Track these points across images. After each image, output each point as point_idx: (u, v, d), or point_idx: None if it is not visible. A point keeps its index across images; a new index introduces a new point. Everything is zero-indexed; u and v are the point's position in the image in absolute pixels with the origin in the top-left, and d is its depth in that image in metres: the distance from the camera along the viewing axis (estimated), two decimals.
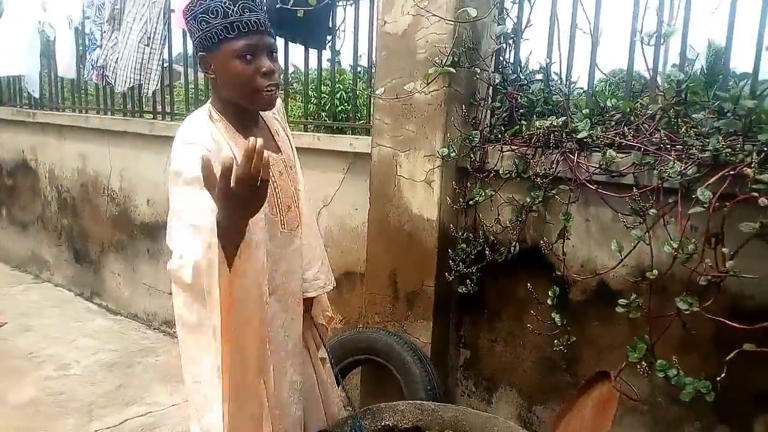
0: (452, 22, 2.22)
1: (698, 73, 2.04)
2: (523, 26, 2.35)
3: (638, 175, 1.97)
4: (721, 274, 1.66)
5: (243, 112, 1.45)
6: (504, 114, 2.36)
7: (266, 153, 1.44)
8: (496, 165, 2.30)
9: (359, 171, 2.77)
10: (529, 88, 2.39)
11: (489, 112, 2.40)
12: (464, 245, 2.39)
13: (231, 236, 1.16)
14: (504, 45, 2.36)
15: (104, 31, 3.92)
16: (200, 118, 1.44)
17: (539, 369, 2.38)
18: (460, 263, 2.39)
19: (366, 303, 2.65)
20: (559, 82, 2.33)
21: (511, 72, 2.37)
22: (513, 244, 2.29)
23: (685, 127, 1.92)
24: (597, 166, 2.05)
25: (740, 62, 1.97)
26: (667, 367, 1.85)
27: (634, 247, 1.94)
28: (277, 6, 2.67)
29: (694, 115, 1.94)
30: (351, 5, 2.87)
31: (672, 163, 1.85)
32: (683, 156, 1.85)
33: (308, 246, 1.73)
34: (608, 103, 2.19)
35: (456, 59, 2.24)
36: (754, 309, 1.83)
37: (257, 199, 1.11)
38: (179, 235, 1.29)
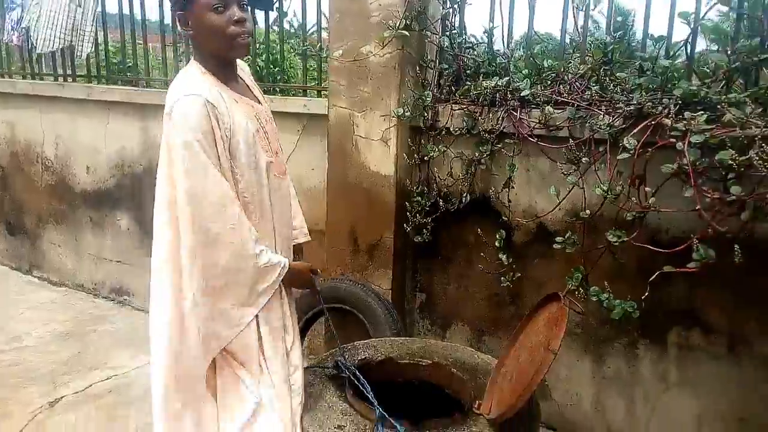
0: None
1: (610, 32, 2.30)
2: None
3: (572, 129, 2.23)
4: (644, 209, 1.96)
5: (224, 66, 1.56)
6: (452, 75, 2.55)
7: (251, 102, 1.60)
8: (447, 123, 2.50)
9: (314, 132, 2.89)
10: (474, 50, 2.58)
11: (438, 73, 2.58)
12: (419, 198, 2.60)
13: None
14: (450, 9, 2.53)
15: None
16: (194, 72, 1.53)
17: (487, 304, 2.66)
18: (416, 215, 2.60)
19: (328, 257, 2.81)
20: (501, 44, 2.54)
21: (457, 35, 2.55)
22: (464, 195, 2.52)
23: (611, 85, 2.20)
24: (537, 121, 2.30)
25: (656, 27, 2.25)
26: (600, 293, 2.16)
27: (570, 191, 2.22)
28: None
29: (619, 74, 2.21)
30: None
31: (601, 116, 2.12)
32: (611, 110, 2.12)
33: (293, 195, 1.89)
34: (545, 64, 2.42)
35: (408, 23, 2.39)
36: (669, 240, 2.17)
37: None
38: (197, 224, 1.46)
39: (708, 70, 2.06)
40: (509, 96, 2.36)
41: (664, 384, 2.34)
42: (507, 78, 2.35)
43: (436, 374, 1.94)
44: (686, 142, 1.80)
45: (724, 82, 2.02)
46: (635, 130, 1.99)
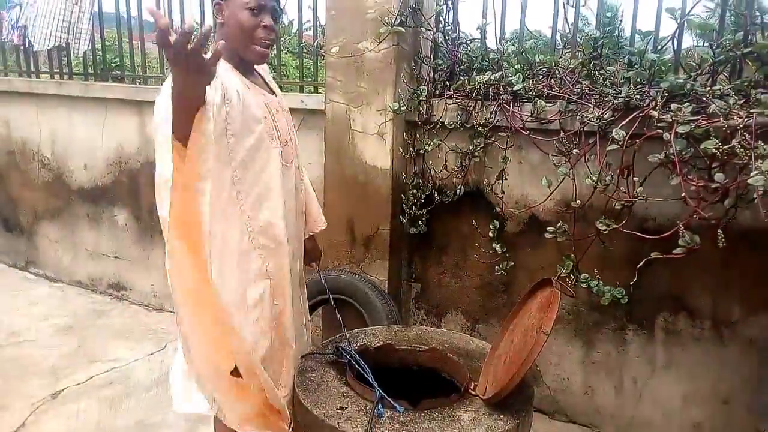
0: None
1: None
2: None
3: (563, 121, 2.30)
4: (632, 198, 2.03)
5: (241, 61, 1.62)
6: (447, 70, 2.61)
7: (263, 92, 1.65)
8: (441, 117, 2.57)
9: (311, 126, 2.95)
10: (468, 46, 2.65)
11: (433, 68, 2.65)
12: (415, 190, 2.66)
13: (182, 104, 1.26)
14: (444, 6, 2.60)
15: None
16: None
17: (481, 293, 2.73)
18: (412, 207, 2.67)
19: (325, 249, 2.86)
20: (494, 40, 2.60)
21: (451, 31, 2.61)
22: (458, 187, 2.59)
23: (601, 78, 2.27)
24: (529, 114, 2.37)
25: (644, 22, 2.33)
26: (590, 280, 2.25)
27: (561, 182, 2.30)
28: None
29: (608, 68, 2.29)
30: None
31: (591, 109, 2.20)
32: (600, 103, 2.20)
33: (307, 186, 2.00)
34: (536, 59, 2.49)
35: (403, 19, 2.45)
36: (656, 227, 2.24)
37: (195, 66, 1.16)
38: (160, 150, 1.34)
39: (694, 64, 2.14)
40: (502, 90, 2.43)
41: (652, 367, 2.42)
42: (500, 73, 2.42)
43: (433, 359, 2.00)
44: (673, 133, 1.88)
45: (709, 75, 2.10)
46: (624, 122, 2.06)
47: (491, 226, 2.54)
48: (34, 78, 4.10)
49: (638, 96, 2.05)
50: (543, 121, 2.35)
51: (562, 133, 2.27)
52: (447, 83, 2.61)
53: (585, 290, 2.29)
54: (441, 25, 2.63)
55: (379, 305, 2.58)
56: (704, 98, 1.95)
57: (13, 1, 3.79)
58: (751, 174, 1.61)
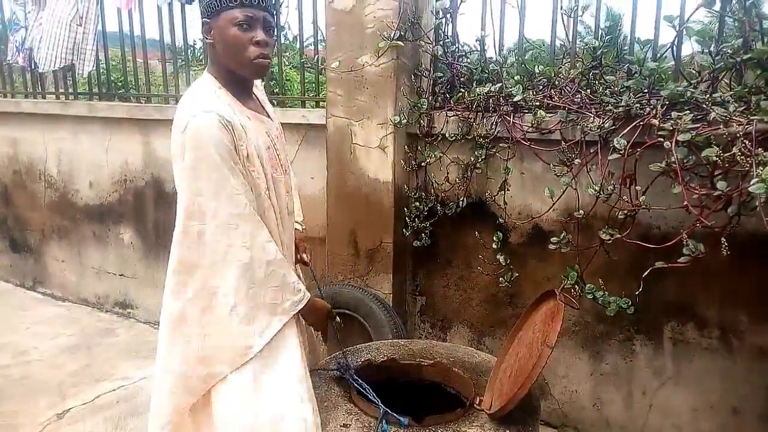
0: None
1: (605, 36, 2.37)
2: (459, 1, 2.60)
3: (564, 131, 2.29)
4: (635, 207, 2.02)
5: (238, 82, 1.57)
6: (447, 83, 2.62)
7: (262, 118, 1.64)
8: (442, 129, 2.57)
9: (313, 142, 2.96)
10: (467, 58, 2.66)
11: (433, 81, 2.65)
12: (417, 203, 2.66)
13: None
14: (443, 19, 2.61)
15: (28, 11, 3.80)
16: (208, 87, 1.53)
17: (486, 306, 2.72)
18: (415, 219, 2.66)
19: (329, 263, 2.87)
20: (493, 52, 2.61)
21: (450, 44, 2.62)
22: (460, 199, 2.58)
23: (601, 88, 2.27)
24: (530, 125, 2.36)
25: (643, 30, 2.33)
26: (595, 290, 2.22)
27: (563, 192, 2.28)
28: None
29: (608, 77, 2.28)
30: None
31: (592, 119, 2.19)
32: (601, 112, 2.19)
33: (296, 196, 1.95)
34: (536, 70, 2.50)
35: (402, 33, 2.46)
36: (660, 236, 2.23)
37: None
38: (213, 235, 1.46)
39: (694, 71, 2.13)
40: (502, 101, 2.43)
41: (661, 378, 2.39)
42: (500, 84, 2.42)
43: (438, 373, 1.99)
44: (674, 141, 1.87)
45: (709, 82, 2.09)
46: (625, 131, 2.05)
47: (495, 238, 2.53)
48: (40, 99, 4.15)
49: (638, 105, 2.04)
50: (544, 132, 2.35)
51: (563, 143, 2.26)
52: (447, 95, 2.61)
53: (590, 301, 2.26)
54: (440, 38, 2.64)
55: (383, 319, 2.56)
56: (704, 106, 1.94)
57: (19, 23, 3.85)
58: (752, 182, 1.59)
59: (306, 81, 3.35)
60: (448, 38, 2.63)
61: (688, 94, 1.99)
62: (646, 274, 1.97)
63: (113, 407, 2.83)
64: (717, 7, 2.04)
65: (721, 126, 1.79)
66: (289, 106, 3.31)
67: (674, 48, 2.20)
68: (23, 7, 3.81)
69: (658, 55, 2.26)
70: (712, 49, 2.04)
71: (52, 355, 3.39)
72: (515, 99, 2.37)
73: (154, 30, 3.55)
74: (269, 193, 1.59)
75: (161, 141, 3.56)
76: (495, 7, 2.52)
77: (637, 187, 2.03)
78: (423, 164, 2.65)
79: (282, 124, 2.98)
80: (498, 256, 2.54)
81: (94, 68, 3.70)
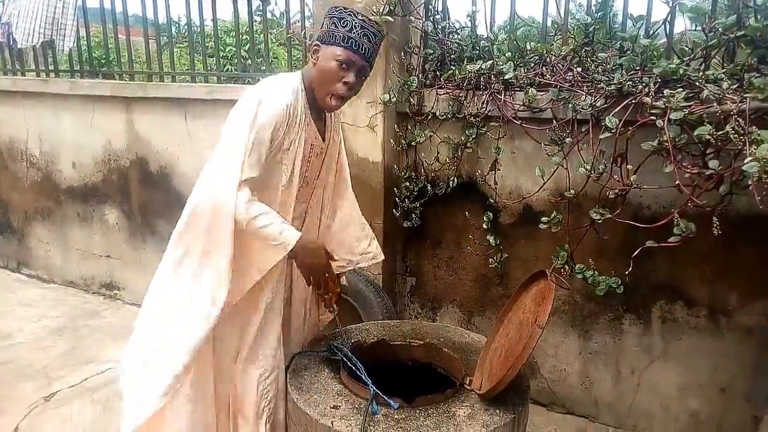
0: None
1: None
2: None
3: (555, 110, 2.27)
4: (626, 186, 2.00)
5: (314, 98, 1.70)
6: (437, 60, 2.57)
7: (316, 133, 1.77)
8: (432, 108, 2.53)
9: None
10: (458, 35, 2.60)
11: (423, 58, 2.60)
12: (407, 183, 2.63)
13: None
14: None
15: None
16: (295, 83, 1.68)
17: (476, 286, 2.71)
18: (405, 200, 2.63)
19: None
20: (484, 28, 2.56)
21: (441, 20, 2.56)
22: (451, 179, 2.56)
23: (593, 65, 2.23)
24: (521, 103, 2.33)
25: (635, 7, 2.29)
26: (585, 270, 2.22)
27: (554, 171, 2.26)
28: None
29: (600, 54, 2.25)
30: None
31: (584, 97, 2.16)
32: (593, 90, 2.16)
33: (357, 221, 2.08)
34: (527, 47, 2.45)
35: (391, 8, 2.40)
36: (650, 216, 2.22)
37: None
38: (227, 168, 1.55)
39: (687, 48, 2.10)
40: (493, 79, 2.39)
41: (649, 357, 2.41)
42: (491, 61, 2.38)
43: (428, 354, 1.98)
44: (666, 119, 1.85)
45: (702, 59, 2.06)
46: (616, 109, 2.03)
47: (485, 218, 2.51)
48: (19, 76, 4.04)
49: (631, 82, 2.02)
50: (535, 110, 2.32)
51: (554, 121, 2.24)
52: (437, 73, 2.57)
53: (580, 280, 2.26)
54: (430, 14, 2.58)
55: (373, 300, 2.55)
56: (697, 83, 1.91)
57: None
58: (746, 160, 1.58)
59: (293, 58, 3.28)
60: (438, 14, 2.58)
61: (681, 71, 1.96)
62: (636, 253, 1.96)
63: (101, 390, 2.81)
64: None
65: (715, 104, 1.77)
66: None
67: (667, 24, 2.16)
68: None
69: (651, 32, 2.22)
70: (704, 25, 2.02)
71: (38, 338, 3.34)
72: (506, 77, 2.33)
73: (136, 6, 3.45)
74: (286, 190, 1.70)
75: (146, 119, 3.48)
76: None
77: (628, 166, 2.02)
78: (413, 144, 2.61)
79: None
80: (488, 237, 2.52)
81: (75, 45, 3.59)
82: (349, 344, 1.98)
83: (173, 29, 4.00)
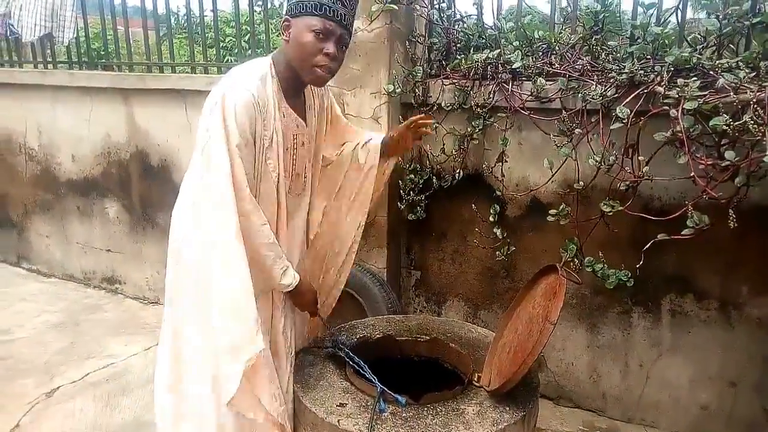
0: None
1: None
2: None
3: (564, 100, 2.22)
4: (637, 178, 1.95)
5: (294, 79, 1.59)
6: (442, 49, 2.52)
7: (298, 121, 1.66)
8: (438, 98, 2.48)
9: None
10: (464, 23, 2.55)
11: (428, 48, 2.55)
12: (412, 176, 2.58)
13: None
14: None
15: None
16: (263, 69, 1.56)
17: (482, 279, 2.67)
18: (410, 192, 2.59)
19: None
20: (491, 16, 2.51)
21: (446, 7, 2.51)
22: (457, 171, 2.51)
23: (603, 54, 2.18)
24: (529, 93, 2.28)
25: None
26: (594, 263, 2.18)
27: (563, 163, 2.22)
28: None
29: (610, 43, 2.20)
30: None
31: (593, 86, 2.11)
32: (603, 79, 2.11)
33: (356, 131, 1.94)
34: (535, 35, 2.40)
35: None
36: (661, 208, 2.18)
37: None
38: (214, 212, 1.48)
39: (699, 36, 2.05)
40: (500, 69, 2.34)
41: (658, 350, 2.37)
42: (498, 51, 2.33)
43: (435, 350, 1.95)
44: (680, 110, 1.80)
45: (715, 47, 2.01)
46: (628, 99, 1.98)
47: (491, 211, 2.47)
48: (17, 68, 3.98)
49: (642, 71, 1.97)
50: (543, 100, 2.27)
51: (563, 112, 2.19)
52: (443, 63, 2.52)
53: (588, 273, 2.22)
54: (435, 2, 2.52)
55: (378, 294, 2.51)
56: (711, 72, 1.86)
57: None
58: (767, 151, 1.53)
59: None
60: (443, 1, 2.53)
61: (694, 59, 1.91)
62: (647, 246, 1.92)
63: (103, 385, 2.78)
64: None
65: (731, 93, 1.72)
66: None
67: (679, 11, 2.11)
68: None
69: (662, 19, 2.17)
70: (718, 12, 1.96)
71: (39, 333, 3.31)
72: (514, 66, 2.28)
73: None
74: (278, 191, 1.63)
75: (145, 111, 3.43)
76: None
77: (639, 158, 1.96)
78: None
79: None
80: (495, 230, 2.48)
81: (74, 36, 3.53)
82: (354, 340, 1.95)
83: (172, 20, 3.93)
